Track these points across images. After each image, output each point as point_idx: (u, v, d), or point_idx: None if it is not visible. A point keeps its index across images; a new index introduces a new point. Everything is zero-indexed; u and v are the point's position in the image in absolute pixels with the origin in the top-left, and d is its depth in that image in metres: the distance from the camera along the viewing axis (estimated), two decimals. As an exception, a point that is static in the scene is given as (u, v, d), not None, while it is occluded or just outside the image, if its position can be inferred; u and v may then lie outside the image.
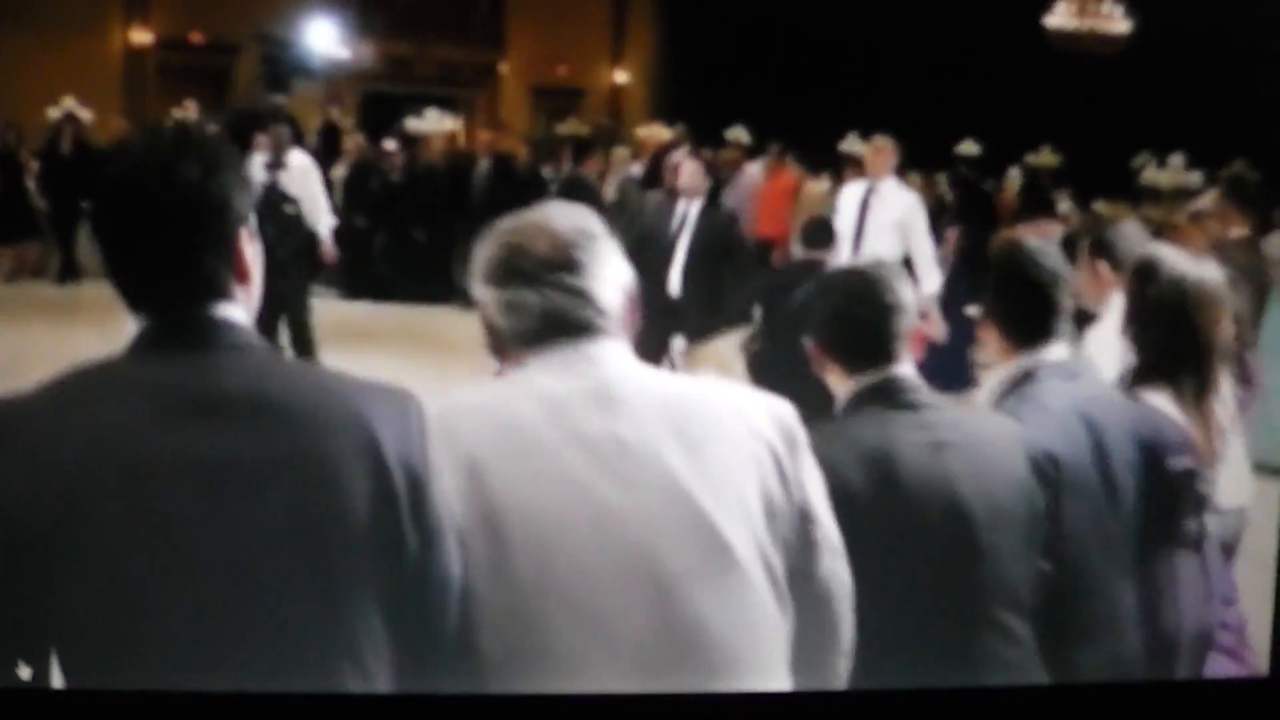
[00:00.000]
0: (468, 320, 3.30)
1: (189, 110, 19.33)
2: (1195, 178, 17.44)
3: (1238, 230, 9.08)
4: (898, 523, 3.44)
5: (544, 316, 2.90)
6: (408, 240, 17.54)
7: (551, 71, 27.51)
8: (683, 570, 2.76)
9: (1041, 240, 4.58)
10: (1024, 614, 3.71)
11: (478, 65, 26.38)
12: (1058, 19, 23.64)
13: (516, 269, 2.92)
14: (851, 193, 11.23)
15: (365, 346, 13.36)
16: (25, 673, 2.41)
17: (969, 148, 22.56)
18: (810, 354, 3.80)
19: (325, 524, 2.54)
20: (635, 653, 2.74)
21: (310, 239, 12.88)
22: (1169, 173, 17.71)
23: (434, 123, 19.44)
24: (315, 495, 2.53)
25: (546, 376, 2.86)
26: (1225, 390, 4.63)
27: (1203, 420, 4.37)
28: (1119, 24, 23.42)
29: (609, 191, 17.04)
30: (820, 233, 9.22)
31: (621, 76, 29.13)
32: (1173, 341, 4.41)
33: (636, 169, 17.67)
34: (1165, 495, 4.12)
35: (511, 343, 2.95)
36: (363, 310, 16.62)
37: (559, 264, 2.91)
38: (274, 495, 2.51)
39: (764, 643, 2.84)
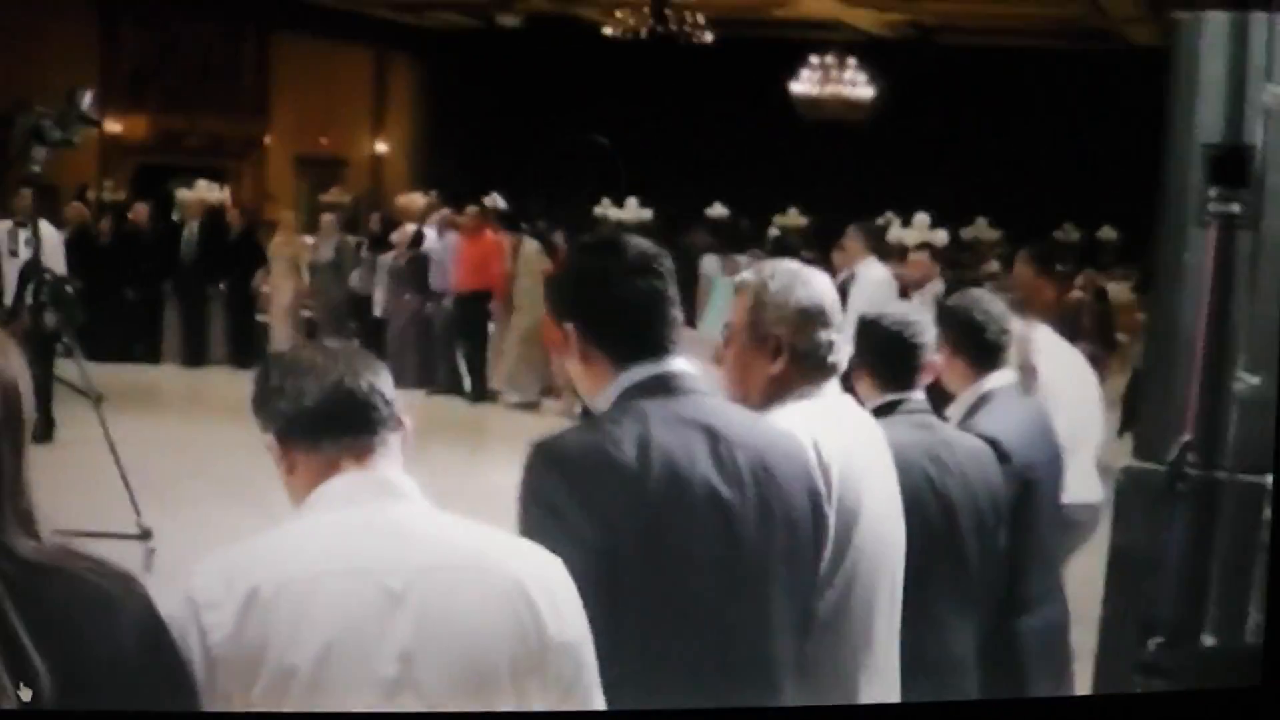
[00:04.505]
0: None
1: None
2: (940, 235, 17.66)
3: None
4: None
5: (835, 354, 3.68)
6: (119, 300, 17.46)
7: (315, 142, 27.18)
8: None
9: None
10: None
11: (243, 137, 25.97)
12: (803, 86, 23.92)
13: (821, 320, 3.64)
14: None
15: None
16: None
17: (717, 211, 22.65)
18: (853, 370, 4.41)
19: (785, 549, 3.07)
20: None
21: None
22: (915, 231, 17.89)
23: (203, 192, 19.26)
24: (781, 526, 3.06)
25: (841, 402, 3.73)
26: None
27: None
28: (862, 90, 23.77)
29: (327, 253, 18.03)
30: None
31: (382, 146, 28.96)
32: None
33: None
34: None
35: (802, 364, 3.63)
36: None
37: (840, 323, 3.69)
38: (757, 519, 3.02)
39: None
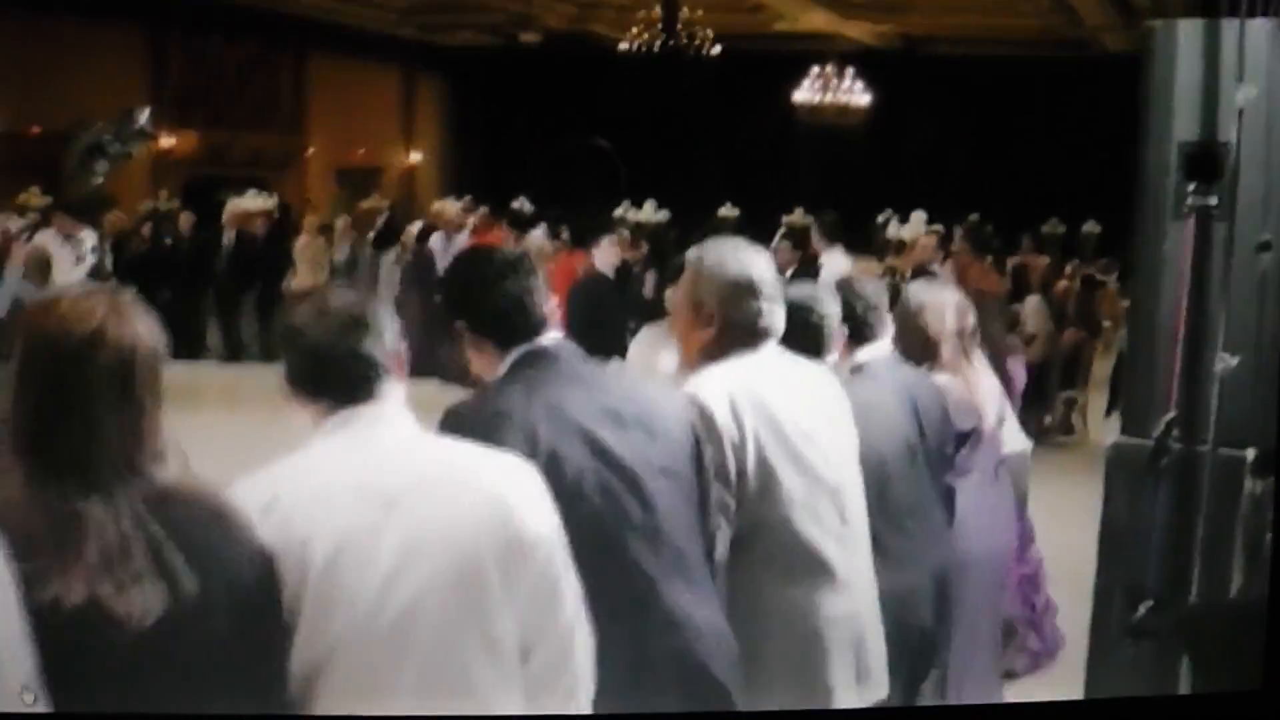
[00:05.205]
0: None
1: (33, 197, 18.87)
2: (937, 229, 17.61)
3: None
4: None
5: (766, 320, 3.85)
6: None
7: (351, 154, 27.27)
8: None
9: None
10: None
11: (285, 150, 26.09)
12: (804, 94, 23.93)
13: (751, 290, 3.82)
14: None
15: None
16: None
17: (729, 211, 22.68)
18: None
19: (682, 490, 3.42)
20: None
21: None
22: (911, 227, 17.86)
23: (253, 201, 19.42)
24: (660, 452, 3.39)
25: (777, 361, 3.91)
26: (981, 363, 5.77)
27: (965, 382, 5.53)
28: (859, 97, 23.77)
29: (343, 253, 18.56)
30: None
31: (415, 156, 29.03)
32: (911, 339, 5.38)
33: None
34: None
35: (735, 330, 3.83)
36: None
37: (775, 293, 3.87)
38: (635, 448, 3.33)
39: None
